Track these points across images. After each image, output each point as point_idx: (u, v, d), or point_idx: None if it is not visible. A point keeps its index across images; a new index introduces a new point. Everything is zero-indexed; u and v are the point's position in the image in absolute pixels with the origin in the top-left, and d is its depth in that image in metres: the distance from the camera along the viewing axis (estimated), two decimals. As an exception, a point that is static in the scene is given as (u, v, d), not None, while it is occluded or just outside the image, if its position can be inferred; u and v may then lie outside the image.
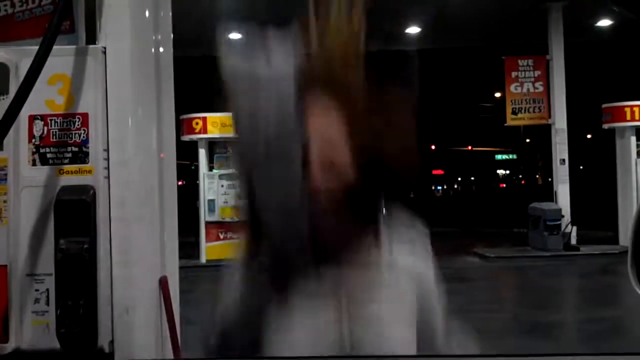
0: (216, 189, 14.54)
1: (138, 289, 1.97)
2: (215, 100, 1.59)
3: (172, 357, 2.10)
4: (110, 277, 1.89)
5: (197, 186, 15.15)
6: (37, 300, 1.87)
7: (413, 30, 17.52)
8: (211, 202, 14.58)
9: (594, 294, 10.37)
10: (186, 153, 15.37)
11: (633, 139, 15.10)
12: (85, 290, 1.83)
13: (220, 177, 14.57)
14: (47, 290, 1.87)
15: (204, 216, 14.65)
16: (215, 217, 14.44)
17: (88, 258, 1.82)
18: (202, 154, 15.06)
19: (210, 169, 15.12)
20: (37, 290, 1.87)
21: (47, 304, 1.87)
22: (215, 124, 14.70)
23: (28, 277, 1.88)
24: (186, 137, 14.91)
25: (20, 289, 1.87)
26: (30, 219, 1.89)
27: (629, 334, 7.91)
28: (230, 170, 14.51)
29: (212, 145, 15.16)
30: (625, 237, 14.48)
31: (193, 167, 15.92)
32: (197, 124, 14.96)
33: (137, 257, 1.97)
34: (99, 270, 1.87)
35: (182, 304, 2.37)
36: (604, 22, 17.04)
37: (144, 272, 2.00)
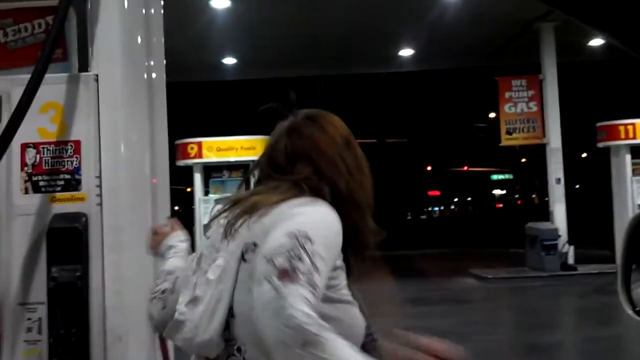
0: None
1: (131, 317, 1.95)
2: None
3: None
4: (103, 305, 1.87)
5: (193, 211, 15.11)
6: (29, 330, 1.86)
7: (406, 52, 17.61)
8: (207, 227, 14.52)
9: (592, 313, 10.32)
10: (182, 178, 15.34)
11: (628, 157, 15.12)
12: (78, 319, 1.82)
13: (216, 201, 14.55)
14: (39, 319, 1.86)
15: (199, 241, 14.57)
16: (211, 242, 14.39)
17: (80, 286, 1.81)
18: (198, 178, 15.04)
19: (206, 193, 15.09)
20: (29, 319, 1.86)
21: (39, 332, 1.85)
22: (211, 149, 14.70)
23: (20, 306, 1.86)
24: (181, 162, 14.89)
25: (13, 318, 1.86)
26: (22, 247, 1.88)
27: (626, 353, 7.87)
28: (226, 195, 14.48)
29: (208, 170, 15.15)
30: (622, 256, 14.41)
31: (189, 190, 15.90)
32: (192, 148, 14.95)
33: (130, 285, 1.96)
34: (92, 298, 1.86)
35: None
36: (596, 42, 17.15)
37: (137, 300, 1.98)
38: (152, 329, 1.76)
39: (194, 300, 1.50)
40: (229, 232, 1.59)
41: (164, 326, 1.56)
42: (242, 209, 1.60)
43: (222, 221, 1.65)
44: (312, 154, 1.65)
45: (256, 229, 1.53)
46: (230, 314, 1.49)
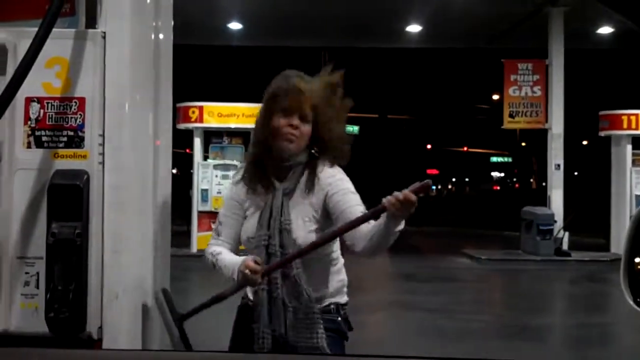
0: (210, 179, 14.52)
1: (128, 276, 1.96)
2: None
3: (159, 344, 2.09)
4: (101, 263, 1.88)
5: (191, 175, 15.14)
6: (26, 283, 1.87)
7: (414, 28, 17.49)
8: (204, 192, 14.57)
9: (583, 300, 10.40)
10: (182, 141, 15.34)
11: (629, 147, 15.13)
12: (76, 275, 1.83)
13: (215, 167, 14.57)
14: (37, 273, 1.87)
15: (197, 205, 14.64)
16: (207, 207, 14.43)
17: (80, 243, 1.81)
18: (198, 143, 15.05)
19: (205, 158, 15.10)
20: (27, 273, 1.87)
21: (37, 287, 1.86)
22: (212, 114, 14.69)
23: (19, 260, 1.87)
24: (182, 126, 14.88)
25: (10, 271, 1.86)
26: (23, 201, 1.88)
27: (614, 341, 7.94)
28: (224, 161, 14.51)
29: (208, 135, 15.16)
30: (616, 245, 14.51)
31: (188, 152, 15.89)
32: (193, 112, 14.92)
33: (128, 244, 1.97)
34: (90, 255, 1.86)
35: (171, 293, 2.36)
36: (605, 30, 17.04)
37: (135, 259, 1.99)
38: None
39: None
40: None
41: None
42: None
43: None
44: None
45: None
46: None
